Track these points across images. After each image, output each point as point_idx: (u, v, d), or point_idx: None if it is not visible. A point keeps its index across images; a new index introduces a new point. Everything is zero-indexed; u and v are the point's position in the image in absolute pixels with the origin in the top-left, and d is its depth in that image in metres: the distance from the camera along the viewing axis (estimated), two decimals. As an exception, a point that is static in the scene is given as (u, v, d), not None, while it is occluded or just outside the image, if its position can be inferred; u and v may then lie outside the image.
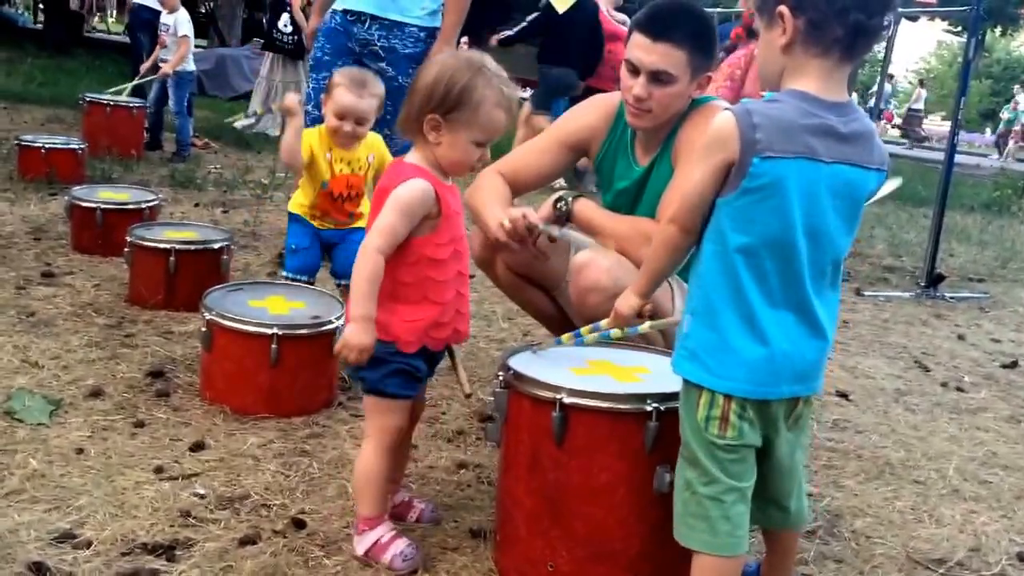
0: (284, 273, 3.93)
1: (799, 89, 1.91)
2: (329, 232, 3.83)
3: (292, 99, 3.70)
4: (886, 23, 1.90)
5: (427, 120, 2.25)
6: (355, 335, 2.22)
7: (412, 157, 2.35)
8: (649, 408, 2.15)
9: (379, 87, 3.68)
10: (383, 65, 4.35)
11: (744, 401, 1.95)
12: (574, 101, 9.12)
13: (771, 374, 1.93)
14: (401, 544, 2.36)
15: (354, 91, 3.58)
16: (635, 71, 2.88)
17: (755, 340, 1.92)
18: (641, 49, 2.85)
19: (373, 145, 3.80)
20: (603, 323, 2.41)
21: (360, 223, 3.78)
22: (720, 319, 1.94)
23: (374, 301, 2.23)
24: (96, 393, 3.24)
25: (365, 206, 3.85)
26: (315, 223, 3.82)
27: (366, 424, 2.41)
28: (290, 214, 3.90)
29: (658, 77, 2.85)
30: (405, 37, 4.39)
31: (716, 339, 1.95)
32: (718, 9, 12.75)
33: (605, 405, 2.18)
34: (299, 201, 3.84)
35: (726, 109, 1.94)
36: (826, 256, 1.95)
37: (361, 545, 2.37)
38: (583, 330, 2.51)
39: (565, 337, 2.55)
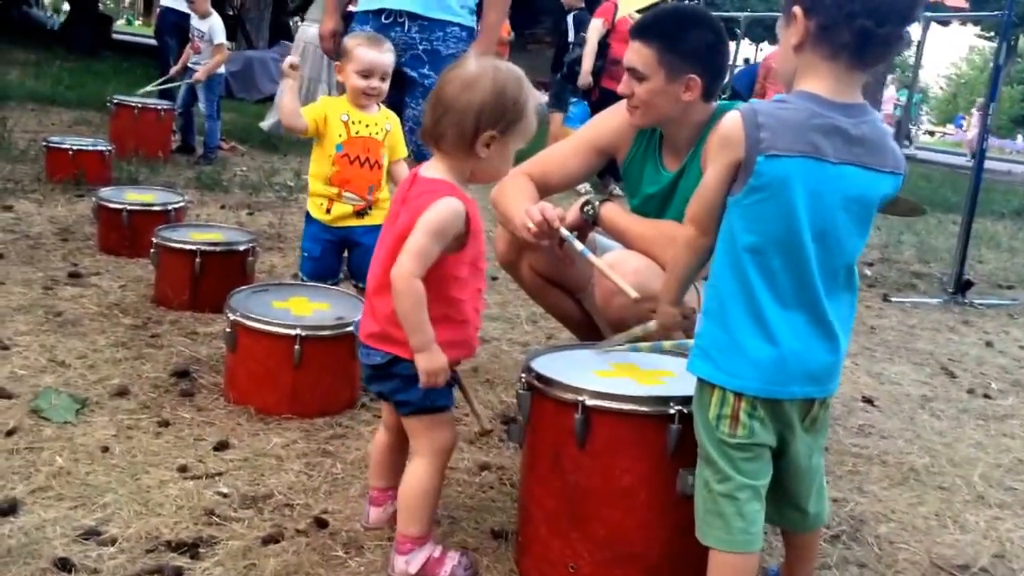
0: (301, 276, 3.96)
1: (808, 90, 1.93)
2: (344, 231, 3.85)
3: (291, 61, 3.77)
4: (901, 34, 1.90)
5: (486, 137, 2.19)
6: (430, 362, 2.19)
7: (436, 169, 2.27)
8: (672, 411, 2.15)
9: (391, 45, 3.81)
10: (425, 71, 4.14)
11: (754, 400, 1.95)
12: (594, 104, 9.15)
13: (781, 373, 1.94)
14: (455, 555, 2.34)
15: (375, 47, 3.67)
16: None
17: (764, 339, 1.93)
18: (628, 46, 2.99)
19: (390, 115, 3.88)
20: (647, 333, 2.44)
21: (377, 220, 3.79)
22: (730, 317, 1.96)
23: (428, 325, 2.18)
24: (122, 392, 3.27)
25: (384, 192, 3.89)
26: (328, 218, 3.83)
27: (417, 444, 2.34)
28: (306, 213, 3.93)
29: (634, 74, 2.94)
30: (448, 37, 4.17)
31: (726, 337, 1.97)
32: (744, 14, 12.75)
33: (627, 407, 2.17)
34: (313, 192, 3.87)
35: (735, 109, 1.96)
36: (837, 258, 1.95)
37: (412, 564, 2.30)
38: (642, 346, 2.55)
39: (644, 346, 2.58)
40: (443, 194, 2.19)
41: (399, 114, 4.03)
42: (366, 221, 3.86)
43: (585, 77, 9.35)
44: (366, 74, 3.69)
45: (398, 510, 2.35)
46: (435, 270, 2.20)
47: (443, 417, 2.34)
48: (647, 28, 2.94)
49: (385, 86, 3.75)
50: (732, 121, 1.93)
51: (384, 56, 3.71)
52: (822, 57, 1.92)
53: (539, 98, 2.27)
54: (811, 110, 1.89)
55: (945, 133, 51.64)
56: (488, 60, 2.28)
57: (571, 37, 9.94)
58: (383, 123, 3.83)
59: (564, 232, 2.89)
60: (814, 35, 1.91)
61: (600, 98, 9.03)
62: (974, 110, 29.43)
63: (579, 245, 2.86)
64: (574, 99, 9.91)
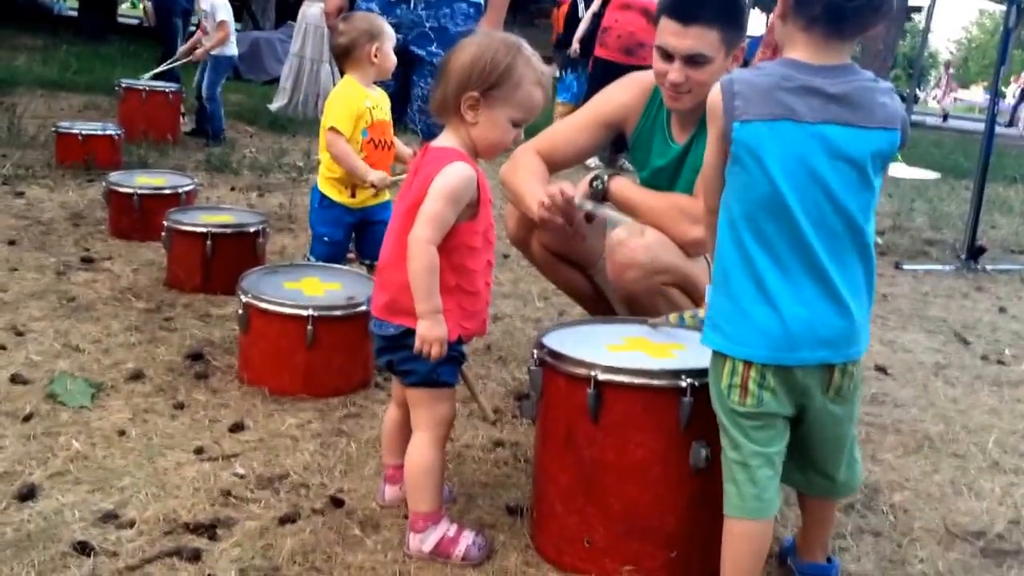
0: (310, 258, 3.95)
1: (788, 57, 1.99)
2: (362, 211, 3.87)
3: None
4: (876, 6, 1.92)
5: (465, 99, 2.21)
6: (430, 329, 2.19)
7: (446, 140, 2.29)
8: (684, 384, 2.15)
9: None
10: (433, 48, 4.11)
11: (763, 368, 1.96)
12: (593, 78, 9.16)
13: (787, 339, 1.94)
14: (469, 534, 2.34)
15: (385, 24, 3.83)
16: (669, 57, 2.87)
17: (767, 306, 1.94)
18: (673, 35, 2.83)
19: (386, 95, 3.94)
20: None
21: (388, 196, 3.82)
22: (733, 286, 1.98)
23: (438, 293, 2.19)
24: (136, 376, 3.28)
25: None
26: (354, 201, 3.85)
27: (417, 418, 2.35)
28: (322, 198, 3.91)
29: (694, 60, 2.84)
30: (455, 15, 4.14)
31: (731, 306, 1.99)
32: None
33: (639, 381, 2.18)
34: (338, 178, 3.86)
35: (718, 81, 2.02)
36: (832, 218, 1.94)
37: (427, 543, 2.31)
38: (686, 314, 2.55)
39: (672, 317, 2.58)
40: (451, 159, 2.22)
41: (406, 93, 4.04)
42: (381, 198, 3.90)
43: (573, 44, 9.77)
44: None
45: (406, 488, 2.37)
46: (450, 239, 2.22)
47: (446, 392, 2.34)
48: (699, 10, 2.81)
49: None
50: (713, 92, 1.99)
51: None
52: (799, 28, 1.97)
53: (543, 70, 2.27)
54: (784, 73, 1.94)
55: (957, 99, 51.35)
56: (492, 31, 2.29)
57: (580, 12, 10.01)
58: (386, 102, 3.87)
59: (580, 201, 2.86)
60: (791, 7, 1.97)
61: (594, 68, 9.11)
62: (942, 70, 29.46)
63: (598, 206, 2.86)
64: (568, 71, 10.17)
